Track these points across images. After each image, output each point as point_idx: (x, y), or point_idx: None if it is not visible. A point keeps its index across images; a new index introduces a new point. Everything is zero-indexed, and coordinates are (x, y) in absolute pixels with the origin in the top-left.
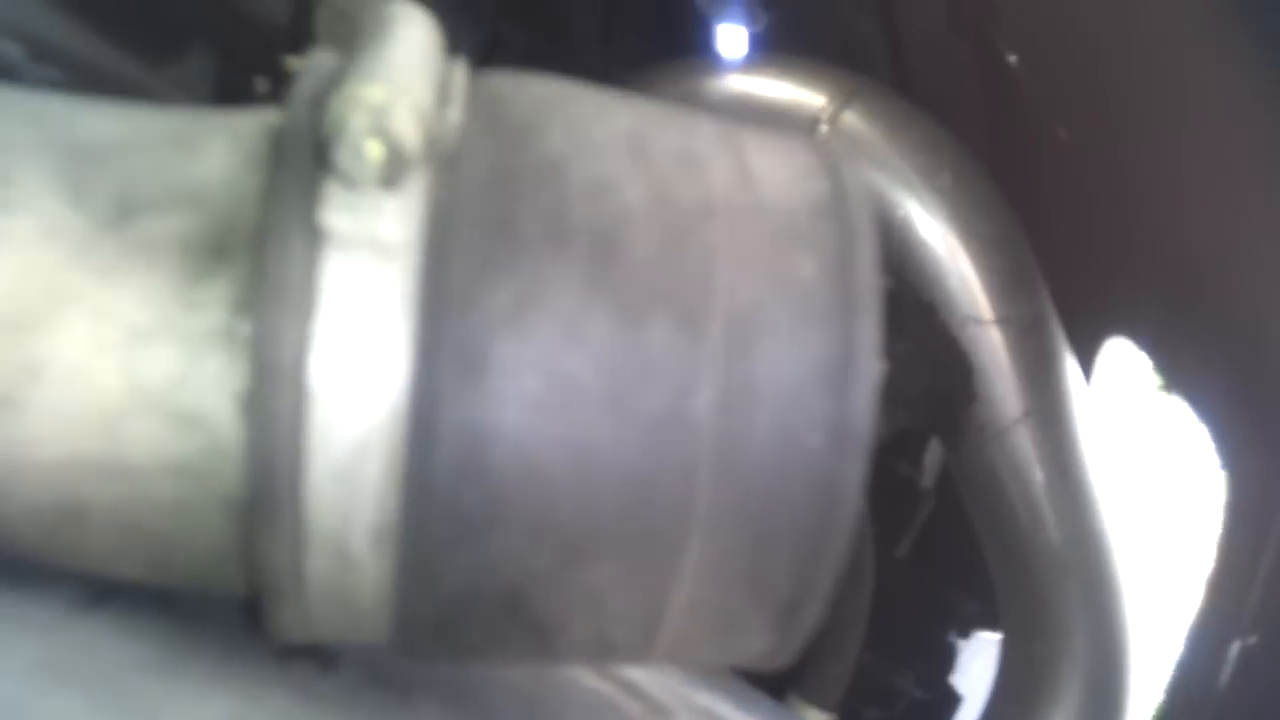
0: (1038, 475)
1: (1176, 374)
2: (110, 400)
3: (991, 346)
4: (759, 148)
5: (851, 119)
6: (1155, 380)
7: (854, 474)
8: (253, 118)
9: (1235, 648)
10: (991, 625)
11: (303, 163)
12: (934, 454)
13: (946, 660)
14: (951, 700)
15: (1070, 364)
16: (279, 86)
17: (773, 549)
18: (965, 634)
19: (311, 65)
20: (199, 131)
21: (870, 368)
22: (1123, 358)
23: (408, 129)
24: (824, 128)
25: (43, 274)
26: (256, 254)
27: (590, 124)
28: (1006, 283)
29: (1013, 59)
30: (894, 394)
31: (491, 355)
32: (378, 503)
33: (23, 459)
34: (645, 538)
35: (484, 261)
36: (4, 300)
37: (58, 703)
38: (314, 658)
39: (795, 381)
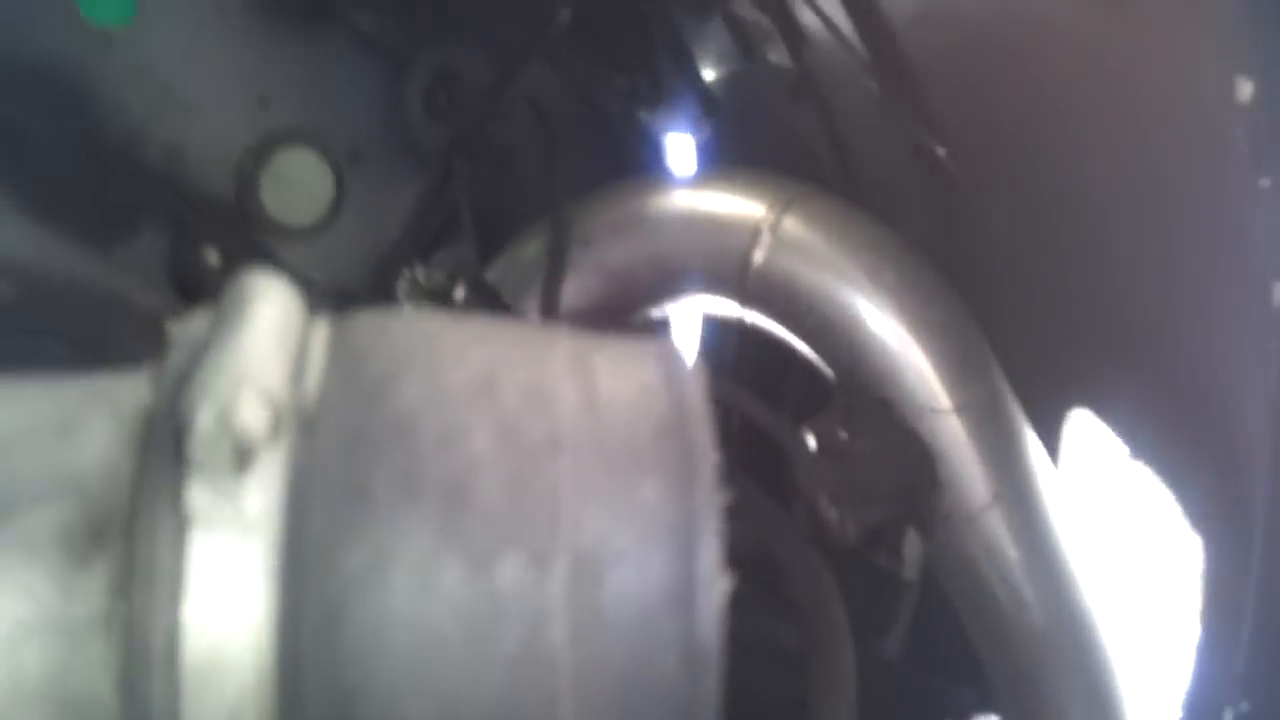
0: (1013, 557)
1: (1139, 442)
2: None
3: (952, 434)
4: (609, 367)
5: (792, 225)
6: (1121, 449)
7: (707, 691)
8: (133, 392)
9: (1229, 716)
10: (989, 709)
11: (169, 445)
12: (916, 543)
13: None
14: None
15: (1033, 443)
16: (230, 259)
17: None
18: None
19: (182, 337)
20: (81, 413)
21: (714, 588)
22: (1088, 429)
23: (252, 419)
24: (767, 236)
25: None
26: (130, 539)
27: (443, 371)
28: (960, 370)
29: (941, 151)
30: (862, 492)
31: (351, 615)
32: None
33: None
34: None
35: (340, 525)
36: None
37: None
38: None
39: (643, 607)
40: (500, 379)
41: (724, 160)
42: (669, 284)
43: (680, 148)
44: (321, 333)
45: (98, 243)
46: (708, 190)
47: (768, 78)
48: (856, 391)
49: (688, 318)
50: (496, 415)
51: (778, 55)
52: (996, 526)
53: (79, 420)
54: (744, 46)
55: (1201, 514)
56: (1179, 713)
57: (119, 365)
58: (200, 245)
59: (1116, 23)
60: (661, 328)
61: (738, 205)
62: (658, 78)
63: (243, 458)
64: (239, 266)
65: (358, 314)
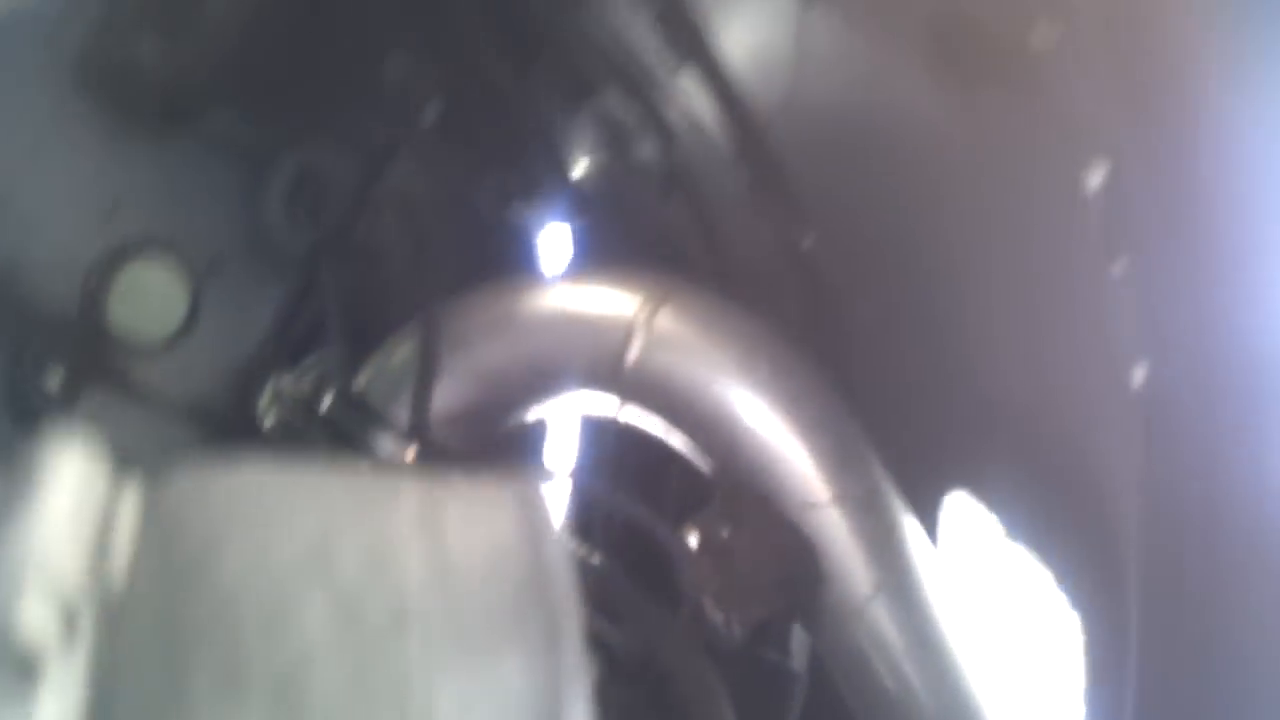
0: (899, 647)
1: (1015, 521)
2: None
3: (832, 527)
4: (461, 519)
5: (666, 321)
6: (998, 529)
7: None
8: None
9: None
10: None
11: None
12: (802, 634)
13: None
14: None
15: (914, 530)
16: (75, 380)
17: None
18: None
19: None
20: None
21: None
22: (966, 510)
23: (37, 625)
24: (641, 333)
25: None
26: None
27: (271, 537)
28: (836, 462)
29: (808, 242)
30: (746, 589)
31: None
32: None
33: None
34: None
35: None
36: None
37: None
38: None
39: None
40: (336, 545)
41: (596, 253)
42: (544, 384)
43: (556, 240)
44: (132, 501)
45: None
46: (580, 288)
47: (637, 172)
48: (736, 487)
49: (565, 418)
50: (332, 588)
51: (646, 149)
52: (881, 617)
53: None
54: (613, 141)
55: (1078, 591)
56: None
57: None
58: (41, 368)
59: (971, 113)
60: (536, 434)
61: (611, 303)
62: (528, 174)
63: (26, 670)
64: (83, 387)
65: (175, 473)
